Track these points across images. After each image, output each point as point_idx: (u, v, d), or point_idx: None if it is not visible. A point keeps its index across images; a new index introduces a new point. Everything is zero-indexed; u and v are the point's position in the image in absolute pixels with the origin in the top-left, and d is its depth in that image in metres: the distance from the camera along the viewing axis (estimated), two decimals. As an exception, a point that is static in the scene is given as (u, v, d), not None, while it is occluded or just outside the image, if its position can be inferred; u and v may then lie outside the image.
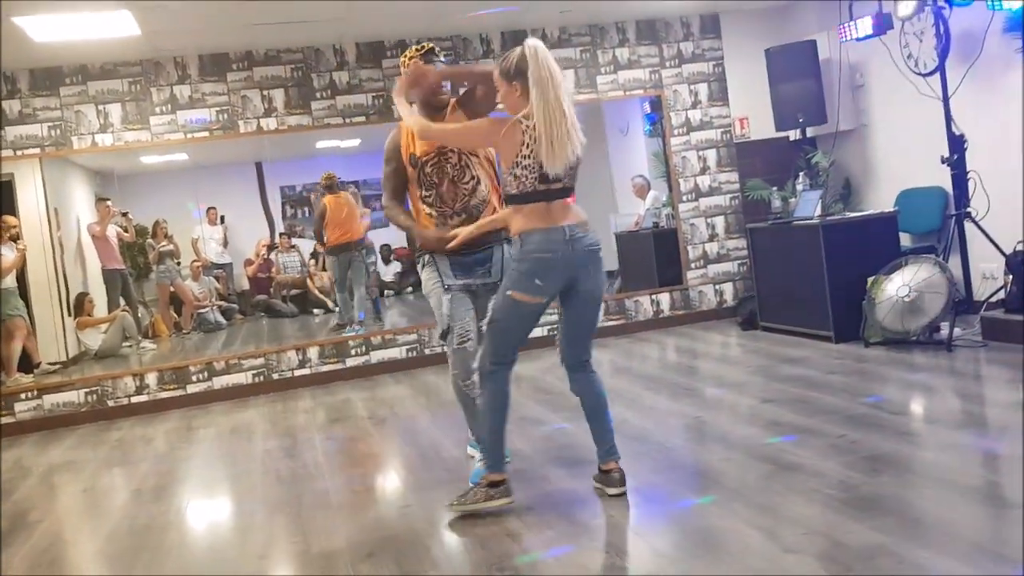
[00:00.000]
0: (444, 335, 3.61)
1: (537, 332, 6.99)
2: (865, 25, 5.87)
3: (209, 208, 8.86)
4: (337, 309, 7.91)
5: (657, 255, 7.67)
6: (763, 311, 6.52)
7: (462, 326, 3.57)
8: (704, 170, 7.48)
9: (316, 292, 9.11)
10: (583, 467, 3.74)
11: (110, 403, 6.38)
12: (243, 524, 3.69)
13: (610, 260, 8.20)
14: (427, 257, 3.69)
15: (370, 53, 6.83)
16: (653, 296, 7.46)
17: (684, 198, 7.46)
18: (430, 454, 4.31)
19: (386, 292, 9.22)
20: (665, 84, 7.38)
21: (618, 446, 3.79)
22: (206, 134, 6.59)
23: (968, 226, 5.46)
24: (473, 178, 3.64)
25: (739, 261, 7.51)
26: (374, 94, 6.83)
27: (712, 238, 7.52)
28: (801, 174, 6.59)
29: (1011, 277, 5.03)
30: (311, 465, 4.41)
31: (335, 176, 7.78)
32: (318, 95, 6.76)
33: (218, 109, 6.60)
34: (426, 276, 3.70)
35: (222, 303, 8.82)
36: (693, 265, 7.49)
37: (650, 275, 7.68)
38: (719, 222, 7.54)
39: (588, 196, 8.68)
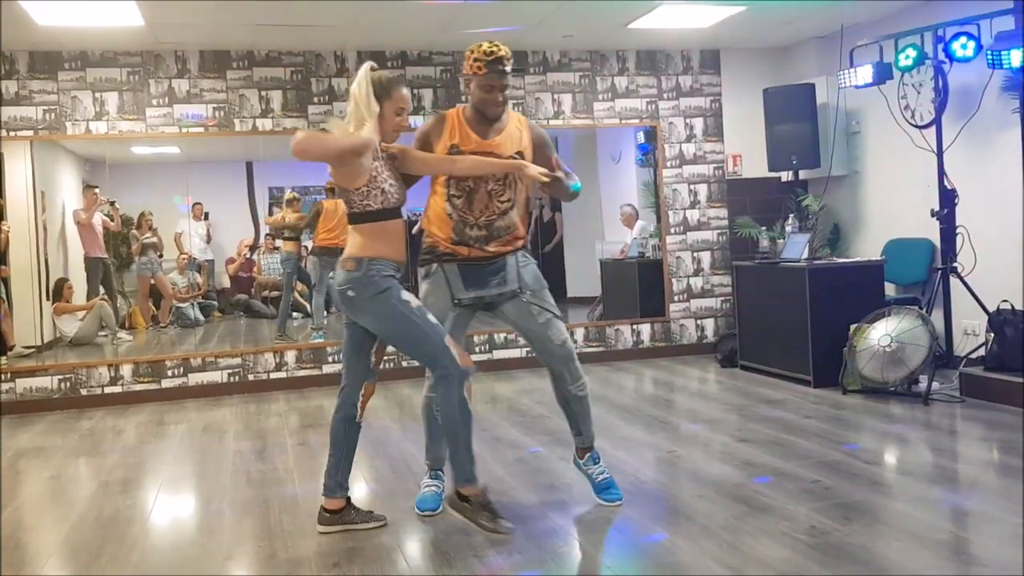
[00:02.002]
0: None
1: (515, 353, 7.04)
2: (865, 73, 5.93)
3: (195, 203, 8.81)
4: (310, 313, 7.98)
5: (641, 285, 7.69)
6: (743, 350, 6.53)
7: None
8: (694, 204, 7.52)
9: (296, 295, 9.05)
10: (556, 492, 3.73)
11: (83, 392, 6.30)
12: (210, 524, 3.64)
13: (593, 287, 8.21)
14: (435, 266, 3.47)
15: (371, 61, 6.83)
16: (634, 326, 7.47)
17: (672, 230, 7.49)
18: (400, 467, 4.28)
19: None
20: (661, 115, 7.43)
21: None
22: (201, 130, 6.56)
23: (953, 281, 5.50)
24: (510, 200, 3.41)
25: (722, 298, 7.53)
26: (373, 103, 6.82)
27: (697, 272, 7.55)
28: (791, 215, 6.64)
29: (993, 335, 5.07)
30: (281, 469, 4.37)
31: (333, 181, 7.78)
32: (315, 99, 6.76)
33: (215, 106, 6.57)
34: (431, 287, 3.47)
35: (202, 300, 8.76)
36: (676, 298, 7.51)
37: (632, 305, 7.69)
38: (705, 257, 7.57)
39: (576, 221, 8.87)
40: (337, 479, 3.38)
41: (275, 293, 9.10)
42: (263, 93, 6.68)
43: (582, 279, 8.68)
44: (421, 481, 3.70)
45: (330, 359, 6.77)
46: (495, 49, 3.30)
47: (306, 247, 8.26)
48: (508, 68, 3.32)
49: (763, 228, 6.95)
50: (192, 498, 4.14)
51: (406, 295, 3.16)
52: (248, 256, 9.18)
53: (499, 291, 3.45)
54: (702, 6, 6.04)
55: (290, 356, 6.72)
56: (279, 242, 9.15)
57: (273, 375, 6.64)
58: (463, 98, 3.83)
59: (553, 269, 9.17)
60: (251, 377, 6.59)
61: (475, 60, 3.31)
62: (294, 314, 8.94)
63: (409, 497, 3.74)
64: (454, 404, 3.13)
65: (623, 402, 5.74)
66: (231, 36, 6.26)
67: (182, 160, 8.22)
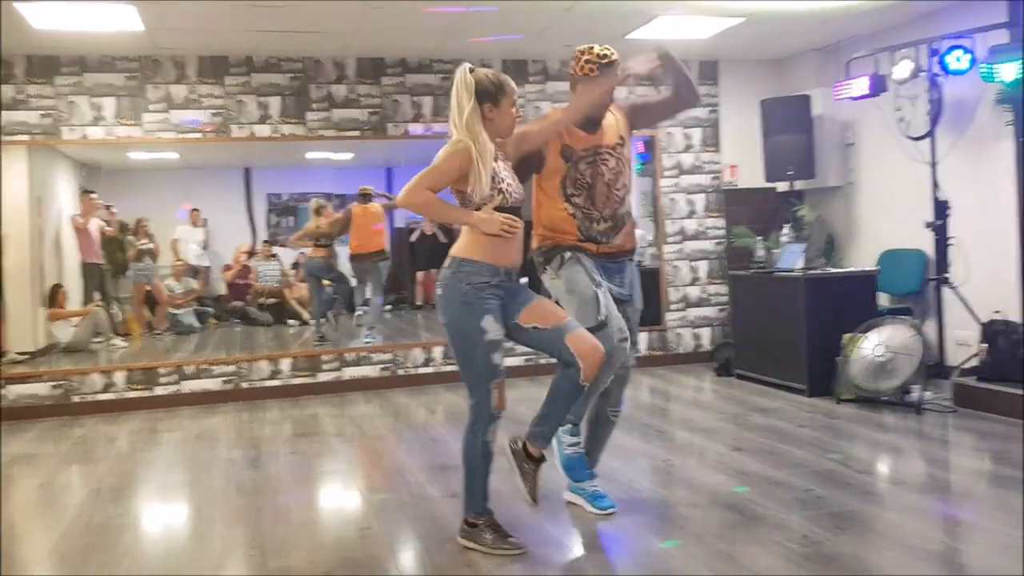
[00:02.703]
0: (597, 328, 3.23)
1: (513, 361, 7.03)
2: (861, 85, 5.95)
3: (193, 209, 8.83)
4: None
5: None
6: (739, 359, 6.54)
7: (620, 322, 3.29)
8: (691, 214, 7.53)
9: (293, 303, 9.07)
10: (547, 502, 3.71)
11: (75, 399, 6.29)
12: (200, 532, 3.63)
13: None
14: (568, 254, 3.39)
15: (370, 69, 6.85)
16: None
17: (669, 239, 7.50)
18: (395, 477, 4.28)
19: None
20: (659, 126, 7.44)
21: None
22: (199, 135, 6.57)
23: (946, 292, 5.52)
24: (626, 186, 3.45)
25: (719, 307, 7.54)
26: (371, 110, 6.85)
27: (694, 282, 7.55)
28: (786, 226, 6.65)
29: (986, 346, 5.08)
30: (274, 478, 4.36)
31: (371, 189, 8.14)
32: (314, 106, 6.76)
33: (213, 111, 6.58)
34: (570, 273, 3.37)
35: (197, 306, 8.76)
36: (673, 307, 7.52)
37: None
38: (702, 266, 7.58)
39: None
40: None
41: (271, 300, 9.11)
42: (261, 99, 6.68)
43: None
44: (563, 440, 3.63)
45: (324, 367, 6.77)
46: (608, 53, 3.32)
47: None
48: (618, 74, 3.32)
49: (759, 238, 6.96)
50: (183, 506, 4.13)
51: (488, 322, 3.03)
52: (246, 262, 9.19)
53: (618, 292, 3.44)
54: (700, 18, 6.06)
55: (285, 364, 6.71)
56: (275, 249, 9.19)
57: (268, 383, 6.63)
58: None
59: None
60: (245, 385, 6.58)
61: (587, 62, 3.31)
62: (290, 322, 8.96)
63: (402, 509, 3.74)
64: (477, 442, 3.13)
65: (623, 410, 5.73)
66: (230, 41, 6.27)
67: (179, 166, 8.24)
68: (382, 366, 6.86)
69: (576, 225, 3.39)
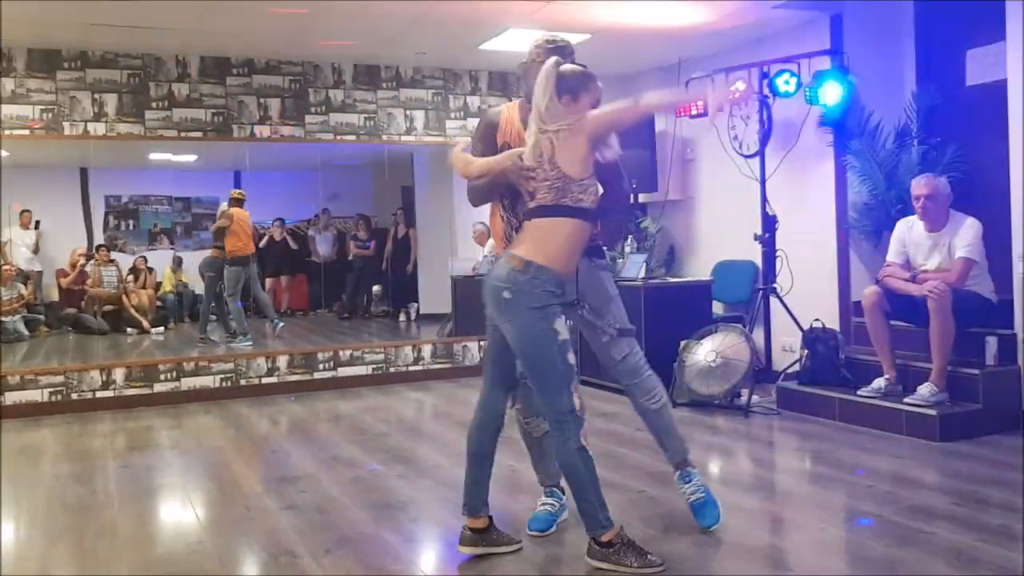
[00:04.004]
0: None
1: (360, 371, 6.97)
2: (699, 104, 6.23)
3: (23, 211, 8.31)
4: (229, 319, 8.01)
5: (489, 302, 7.76)
6: (583, 365, 6.69)
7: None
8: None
9: (131, 310, 8.66)
10: (389, 511, 3.71)
11: None
12: (15, 552, 3.41)
13: (446, 303, 8.25)
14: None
15: (215, 68, 6.65)
16: (482, 342, 7.52)
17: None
18: (231, 490, 4.15)
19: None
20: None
21: (431, 490, 3.80)
22: (26, 132, 6.19)
23: (773, 300, 5.85)
24: None
25: (567, 315, 7.70)
26: (214, 110, 6.64)
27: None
28: (630, 237, 6.89)
29: (806, 352, 5.43)
30: (102, 493, 4.15)
31: (245, 193, 8.00)
32: (154, 104, 6.50)
33: (43, 108, 6.22)
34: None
35: (26, 313, 8.24)
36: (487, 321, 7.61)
37: (481, 322, 7.64)
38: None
39: (430, 238, 8.89)
40: (482, 496, 3.17)
41: (109, 308, 8.67)
42: (96, 96, 6.36)
43: (435, 296, 8.71)
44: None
45: (162, 377, 6.49)
46: (558, 39, 3.21)
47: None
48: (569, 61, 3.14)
49: (605, 248, 7.17)
50: None
51: (559, 324, 2.93)
52: (83, 267, 8.71)
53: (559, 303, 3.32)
54: (549, 32, 6.18)
55: (119, 374, 6.40)
56: (114, 253, 8.77)
57: (100, 394, 6.30)
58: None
59: (407, 285, 9.17)
60: (75, 396, 6.23)
61: (535, 46, 3.22)
62: (128, 330, 8.56)
63: (236, 523, 3.64)
64: (572, 451, 2.92)
65: (467, 418, 5.66)
66: (62, 34, 5.94)
67: (7, 164, 7.73)
68: (223, 376, 6.65)
69: (504, 230, 3.29)
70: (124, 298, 8.71)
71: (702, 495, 3.38)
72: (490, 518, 3.17)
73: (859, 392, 5.02)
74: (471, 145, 3.34)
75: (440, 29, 6.05)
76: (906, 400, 4.76)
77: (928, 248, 4.88)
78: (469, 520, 3.15)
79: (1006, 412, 4.76)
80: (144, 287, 8.89)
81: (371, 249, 9.48)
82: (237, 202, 7.98)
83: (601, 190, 3.07)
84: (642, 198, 7.22)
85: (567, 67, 2.98)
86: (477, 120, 7.34)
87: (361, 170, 9.12)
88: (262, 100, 6.78)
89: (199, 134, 6.62)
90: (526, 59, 3.25)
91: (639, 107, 3.08)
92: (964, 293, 4.70)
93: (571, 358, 2.96)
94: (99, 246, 8.72)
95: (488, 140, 3.28)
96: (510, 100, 7.39)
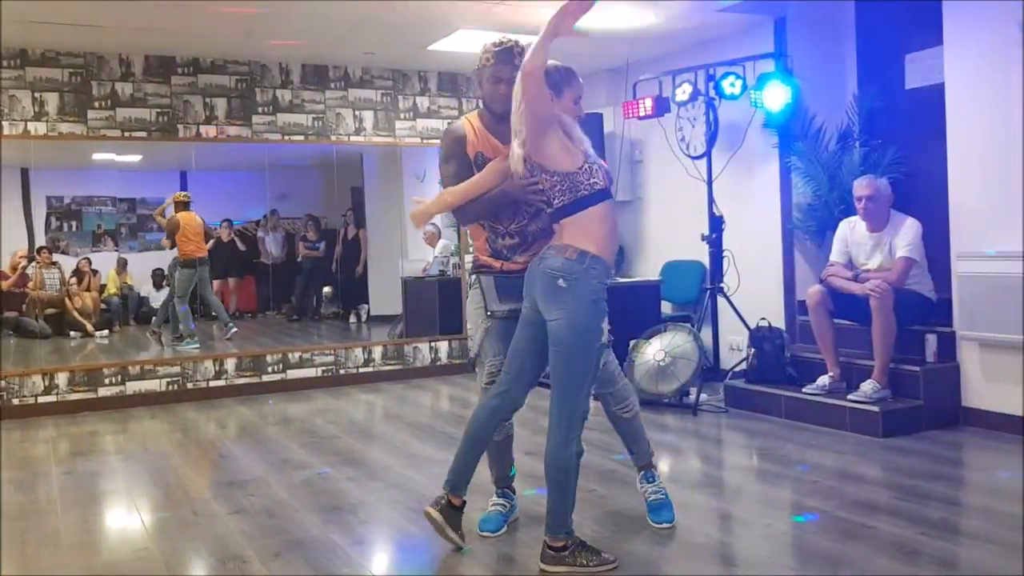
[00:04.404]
0: (472, 365, 3.32)
1: (310, 373, 6.91)
2: (646, 105, 6.30)
3: (-40, 213, 8.08)
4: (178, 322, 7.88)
5: (440, 303, 7.77)
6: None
7: (492, 363, 3.26)
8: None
9: (75, 313, 8.47)
10: (339, 514, 3.69)
11: None
12: (-49, 565, 3.33)
13: (396, 305, 8.22)
14: (473, 278, 3.36)
15: (159, 67, 6.54)
16: (432, 343, 7.52)
17: (471, 249, 7.60)
18: (178, 495, 4.09)
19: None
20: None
21: (380, 492, 3.77)
22: (-40, 131, 6.03)
23: (720, 300, 5.93)
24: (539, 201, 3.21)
25: (518, 315, 7.72)
26: (159, 110, 6.53)
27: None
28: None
29: (753, 350, 5.51)
30: (44, 500, 4.05)
31: (189, 195, 7.97)
32: (96, 104, 6.37)
33: (-22, 106, 6.06)
34: (470, 300, 3.40)
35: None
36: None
37: (432, 322, 7.75)
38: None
39: (380, 239, 8.84)
40: (467, 478, 3.16)
41: (51, 311, 8.47)
42: (37, 95, 6.21)
43: (385, 297, 8.67)
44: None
45: (106, 381, 6.37)
46: (505, 41, 3.15)
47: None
48: (518, 62, 3.05)
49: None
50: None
51: (606, 324, 2.93)
52: (24, 270, 8.49)
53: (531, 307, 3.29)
54: (499, 33, 6.19)
55: (61, 378, 6.26)
56: (56, 256, 8.57)
57: (42, 399, 6.15)
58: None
59: (358, 287, 9.11)
60: (16, 401, 6.08)
61: (484, 51, 3.17)
62: (72, 333, 8.38)
63: (183, 527, 3.59)
64: (572, 453, 2.92)
65: (418, 420, 5.77)
66: (2, 32, 5.79)
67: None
68: (169, 379, 6.54)
69: (485, 238, 3.27)
70: (67, 301, 8.51)
71: (662, 496, 3.47)
72: (464, 502, 3.19)
73: (804, 390, 5.11)
74: (440, 171, 3.28)
75: (389, 30, 6.03)
76: (849, 397, 4.86)
77: (870, 248, 4.99)
78: (450, 495, 3.16)
79: (946, 408, 4.89)
80: (88, 289, 8.69)
81: (320, 250, 9.40)
82: (183, 205, 7.89)
83: (605, 165, 3.09)
84: (592, 199, 7.26)
85: (551, 64, 2.94)
86: (425, 123, 7.38)
87: (310, 171, 9.04)
88: (208, 100, 6.68)
89: (144, 134, 6.51)
90: (477, 64, 3.22)
91: (525, 69, 2.88)
92: (905, 292, 4.81)
93: (602, 363, 3.02)
94: (41, 248, 8.50)
95: (459, 155, 3.22)
96: (459, 101, 7.48)
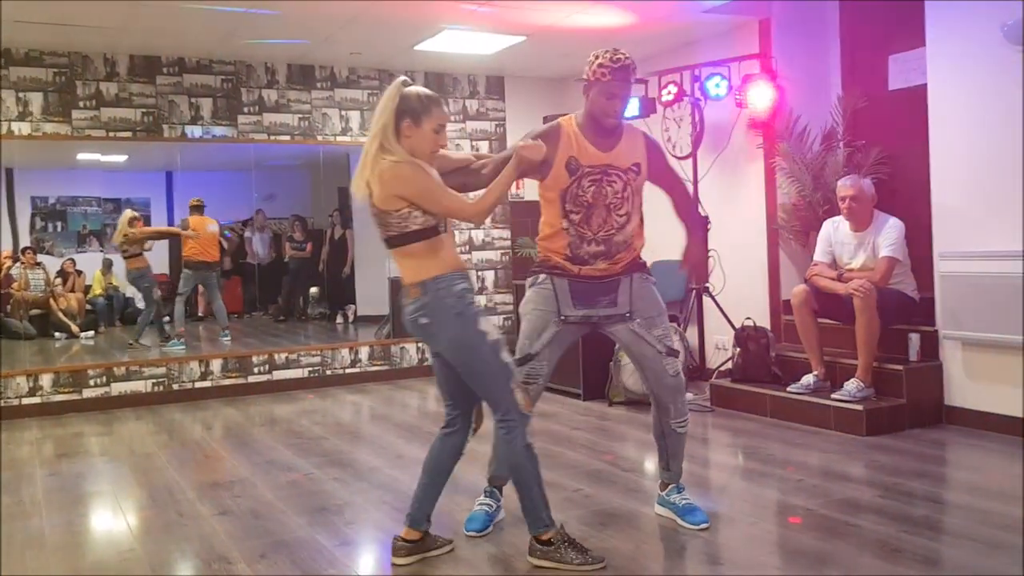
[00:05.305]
0: (521, 362, 3.27)
1: (296, 374, 6.90)
2: (632, 106, 6.31)
3: (-57, 213, 8.03)
4: (168, 320, 7.99)
5: (427, 303, 7.76)
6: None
7: (536, 367, 3.28)
8: (479, 224, 7.70)
9: (59, 314, 8.43)
10: (324, 515, 3.69)
11: None
12: (-66, 567, 3.31)
13: (383, 305, 8.21)
14: (543, 278, 3.32)
15: (144, 67, 6.52)
16: (419, 344, 7.52)
17: (457, 249, 7.61)
18: (163, 496, 4.08)
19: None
20: (448, 137, 7.54)
21: (367, 493, 3.77)
22: (-58, 131, 6.00)
23: (706, 300, 5.96)
24: (628, 214, 3.29)
25: (504, 315, 7.75)
26: (144, 110, 6.51)
27: (481, 291, 7.72)
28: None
29: (738, 350, 5.54)
30: (28, 502, 4.04)
31: (202, 200, 8.04)
32: (81, 104, 6.34)
33: (-39, 106, 6.03)
34: (532, 295, 3.34)
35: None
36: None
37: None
38: (489, 276, 7.76)
39: (367, 239, 8.83)
40: (426, 511, 3.15)
41: (36, 311, 8.43)
42: (21, 95, 6.19)
43: (372, 297, 8.65)
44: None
45: (91, 382, 6.34)
46: (622, 57, 3.16)
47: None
48: (633, 79, 3.18)
49: (542, 249, 7.22)
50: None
51: (485, 324, 2.94)
52: (8, 270, 8.44)
53: (607, 312, 3.30)
54: (485, 34, 6.21)
55: (46, 380, 6.23)
56: (40, 257, 8.54)
57: (26, 400, 6.12)
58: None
59: (344, 287, 9.10)
60: (0, 403, 6.05)
61: (599, 66, 3.15)
62: (56, 334, 8.34)
63: (168, 529, 3.58)
64: (518, 450, 2.95)
65: (405, 420, 5.77)
66: (-19, 32, 5.77)
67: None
68: (155, 381, 6.52)
69: (568, 242, 3.26)
70: (52, 302, 8.47)
71: (691, 500, 3.49)
72: (425, 533, 3.16)
73: (789, 389, 5.14)
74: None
75: (375, 30, 6.02)
76: (834, 396, 4.89)
77: (853, 248, 5.02)
78: (406, 531, 3.13)
79: (929, 406, 4.92)
80: (73, 290, 8.66)
81: (307, 251, 9.39)
82: (197, 210, 7.97)
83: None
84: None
85: (413, 90, 2.93)
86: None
87: (296, 171, 9.02)
88: (193, 100, 6.67)
89: (129, 134, 6.48)
90: (587, 74, 3.20)
91: (479, 210, 3.03)
92: (888, 291, 4.85)
93: (505, 356, 2.98)
94: (25, 248, 8.46)
95: (548, 141, 3.20)
96: (447, 101, 7.46)
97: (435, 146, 2.97)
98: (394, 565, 3.10)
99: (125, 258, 8.01)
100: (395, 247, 2.97)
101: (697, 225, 3.59)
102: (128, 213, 8.00)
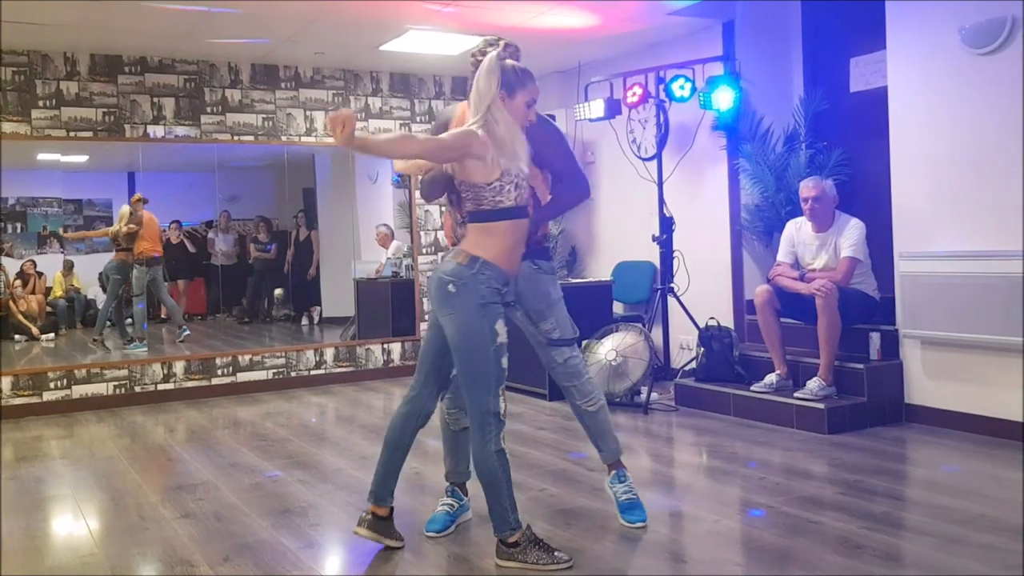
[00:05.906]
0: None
1: (260, 376, 6.84)
2: (597, 107, 6.35)
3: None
4: (130, 323, 7.85)
5: (393, 304, 7.75)
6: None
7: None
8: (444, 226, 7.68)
9: (19, 316, 8.28)
10: (288, 517, 3.66)
11: None
12: None
13: (349, 306, 8.17)
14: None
15: (106, 66, 6.43)
16: (385, 345, 7.50)
17: (424, 251, 7.61)
18: (125, 500, 4.02)
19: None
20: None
21: (331, 495, 3.75)
22: (-103, 130, 5.87)
23: (671, 300, 6.00)
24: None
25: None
26: (105, 110, 6.42)
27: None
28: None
29: (702, 349, 5.58)
30: (-16, 508, 3.97)
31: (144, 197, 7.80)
32: (41, 103, 6.25)
33: (-84, 104, 5.91)
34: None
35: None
36: (427, 317, 7.60)
37: (385, 324, 7.73)
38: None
39: (332, 240, 8.79)
40: (390, 486, 3.19)
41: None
42: (-23, 94, 6.09)
43: (338, 299, 8.61)
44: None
45: (51, 385, 6.24)
46: (499, 39, 3.25)
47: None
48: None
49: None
50: None
51: (500, 326, 2.96)
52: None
53: (508, 300, 3.27)
54: (449, 34, 6.21)
55: (5, 382, 6.12)
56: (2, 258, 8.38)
57: (-16, 404, 6.03)
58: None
59: (310, 289, 9.04)
60: (-43, 407, 5.95)
61: (471, 55, 3.25)
62: (16, 337, 8.20)
63: (129, 533, 3.54)
64: (491, 453, 2.95)
65: (370, 422, 5.74)
66: (-64, 29, 5.66)
67: None
68: (116, 383, 6.44)
69: (450, 226, 3.36)
70: (11, 304, 8.31)
71: (633, 496, 3.49)
72: (391, 509, 3.23)
73: (752, 388, 5.20)
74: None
75: (338, 30, 6.00)
76: (796, 395, 4.95)
77: (815, 248, 5.09)
78: (373, 507, 3.20)
79: (889, 404, 5.00)
80: (33, 292, 8.50)
81: (272, 252, 9.31)
82: (142, 204, 7.76)
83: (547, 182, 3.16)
84: (545, 200, 7.30)
85: (509, 63, 3.00)
86: (377, 123, 7.35)
87: (261, 172, 8.95)
88: (156, 99, 6.59)
89: (90, 134, 6.40)
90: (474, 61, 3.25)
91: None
92: (849, 291, 4.92)
93: (504, 362, 3.00)
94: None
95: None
96: (412, 101, 7.46)
97: (524, 120, 3.00)
98: (354, 533, 3.21)
99: (117, 250, 7.87)
100: (478, 221, 2.98)
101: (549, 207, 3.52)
102: (134, 198, 7.86)
